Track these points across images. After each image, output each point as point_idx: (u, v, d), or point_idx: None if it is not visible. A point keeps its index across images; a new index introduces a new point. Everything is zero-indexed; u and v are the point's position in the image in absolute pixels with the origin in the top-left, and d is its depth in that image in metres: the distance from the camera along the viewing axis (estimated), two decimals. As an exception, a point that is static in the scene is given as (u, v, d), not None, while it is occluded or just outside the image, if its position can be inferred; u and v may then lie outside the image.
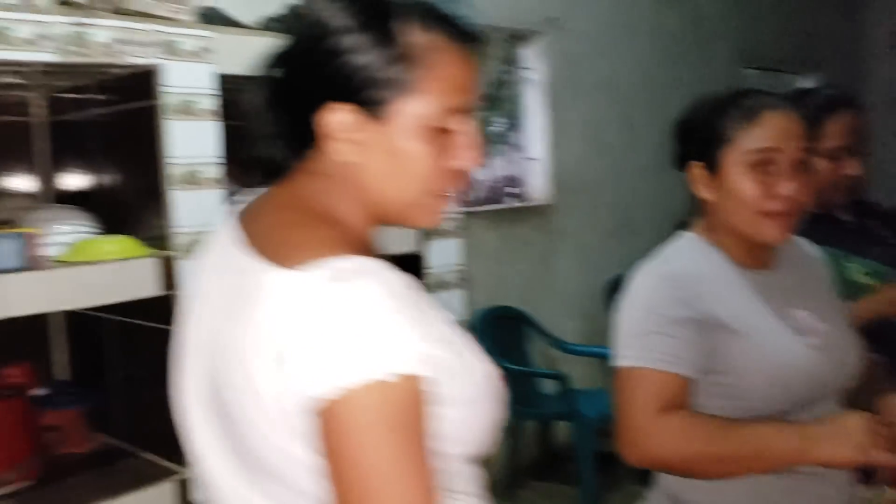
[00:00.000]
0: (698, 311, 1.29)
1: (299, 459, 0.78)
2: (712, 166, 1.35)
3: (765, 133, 1.31)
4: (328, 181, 0.86)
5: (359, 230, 0.88)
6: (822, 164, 1.77)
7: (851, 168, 1.79)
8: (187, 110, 1.61)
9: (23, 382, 1.74)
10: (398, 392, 0.73)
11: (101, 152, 1.82)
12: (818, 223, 1.81)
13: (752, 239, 1.36)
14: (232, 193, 1.00)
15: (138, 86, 1.63)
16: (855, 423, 1.18)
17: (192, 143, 1.62)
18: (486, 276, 3.68)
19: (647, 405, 1.26)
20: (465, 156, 0.86)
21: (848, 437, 1.17)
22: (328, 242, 0.80)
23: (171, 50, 1.61)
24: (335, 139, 0.83)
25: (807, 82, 6.18)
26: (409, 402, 0.74)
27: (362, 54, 0.80)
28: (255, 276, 0.80)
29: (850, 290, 1.73)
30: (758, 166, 1.31)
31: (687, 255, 1.37)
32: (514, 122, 4.21)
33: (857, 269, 1.78)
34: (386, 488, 0.72)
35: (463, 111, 0.85)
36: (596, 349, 3.74)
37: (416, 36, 0.81)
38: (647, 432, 1.26)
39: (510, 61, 4.12)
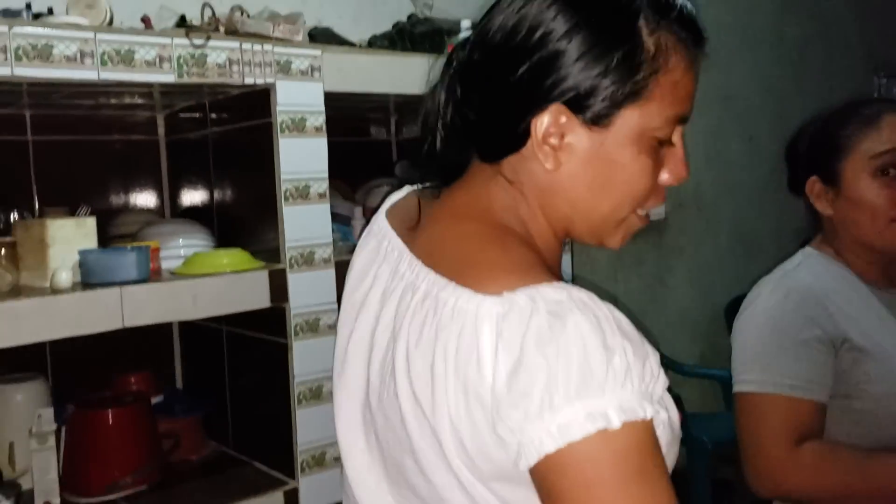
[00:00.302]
0: (828, 331, 1.20)
1: (482, 497, 0.71)
2: (832, 179, 1.28)
3: (887, 135, 1.24)
4: (520, 192, 0.78)
5: (548, 250, 0.80)
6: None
7: None
8: (299, 127, 1.65)
9: (144, 390, 1.82)
10: (627, 440, 0.65)
11: (217, 169, 1.88)
12: None
13: (882, 250, 1.26)
14: (397, 186, 0.94)
15: (253, 104, 1.68)
16: None
17: (302, 159, 1.65)
18: (599, 293, 3.57)
19: (779, 436, 1.19)
20: (677, 170, 0.79)
21: None
22: (527, 265, 0.72)
23: (284, 69, 1.65)
24: (547, 144, 0.75)
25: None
26: (641, 449, 0.66)
27: (592, 57, 0.72)
28: (440, 295, 0.72)
29: None
30: (882, 171, 1.22)
31: (812, 271, 1.29)
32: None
33: None
34: None
35: (682, 122, 0.78)
36: (713, 371, 3.58)
37: (650, 37, 0.74)
38: (782, 465, 1.18)
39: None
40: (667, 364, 3.16)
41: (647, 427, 0.66)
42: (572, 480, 0.64)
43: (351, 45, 2.01)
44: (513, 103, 0.75)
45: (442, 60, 0.84)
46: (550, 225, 0.80)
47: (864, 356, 1.21)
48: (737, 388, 1.26)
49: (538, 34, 0.73)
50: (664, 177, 0.78)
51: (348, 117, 2.17)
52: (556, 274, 0.80)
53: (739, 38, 4.23)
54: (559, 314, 0.66)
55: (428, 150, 0.83)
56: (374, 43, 2.06)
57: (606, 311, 0.69)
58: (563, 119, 0.74)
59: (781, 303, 1.25)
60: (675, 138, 0.78)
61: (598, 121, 0.74)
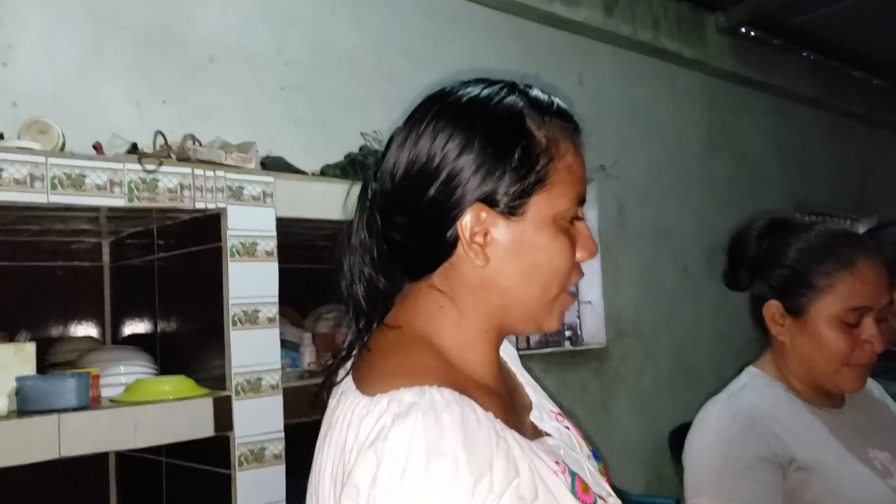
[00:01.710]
0: (776, 452, 1.21)
1: None
2: (795, 310, 1.29)
3: (861, 288, 1.25)
4: (445, 298, 0.83)
5: (470, 353, 0.83)
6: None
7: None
8: (249, 251, 1.66)
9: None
10: None
11: (162, 294, 1.86)
12: (887, 363, 1.74)
13: (828, 389, 1.29)
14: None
15: (203, 229, 1.68)
16: None
17: (252, 283, 1.65)
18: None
19: None
20: (587, 245, 0.85)
21: None
22: (414, 370, 0.76)
23: (236, 195, 1.67)
24: (475, 242, 0.80)
25: (863, 226, 6.12)
26: None
27: (491, 163, 0.80)
28: (342, 399, 0.80)
29: None
30: (850, 321, 1.25)
31: (757, 392, 1.31)
32: (567, 267, 4.22)
33: None
34: None
35: (581, 202, 0.85)
36: (658, 500, 3.53)
37: (539, 131, 0.82)
38: None
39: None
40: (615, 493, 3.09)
41: None
42: None
43: (303, 173, 2.06)
44: (434, 218, 0.81)
45: (357, 191, 0.89)
46: (483, 325, 0.83)
47: (811, 475, 1.22)
48: None
49: (437, 159, 0.80)
50: (579, 254, 0.84)
51: (299, 244, 2.19)
52: (485, 377, 0.83)
53: (672, 176, 4.46)
54: (402, 415, 0.71)
55: (354, 289, 0.86)
56: (327, 172, 2.11)
57: (458, 415, 0.71)
58: (484, 215, 0.80)
59: (730, 425, 1.25)
60: (580, 217, 0.85)
61: (514, 211, 0.80)
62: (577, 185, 0.83)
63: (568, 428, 0.91)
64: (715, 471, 1.23)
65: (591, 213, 4.12)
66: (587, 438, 0.95)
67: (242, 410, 1.60)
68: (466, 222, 0.80)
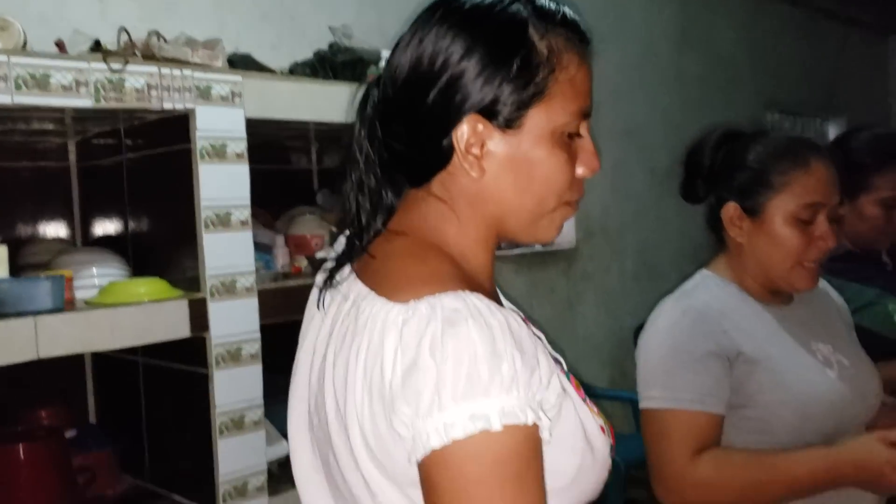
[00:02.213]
0: (723, 346, 1.28)
1: (387, 497, 0.76)
2: (753, 211, 1.33)
3: (815, 186, 1.30)
4: (445, 206, 0.84)
5: (473, 260, 0.85)
6: (874, 211, 1.79)
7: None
8: (219, 153, 1.64)
9: (57, 424, 1.75)
10: (507, 442, 0.69)
11: (132, 196, 1.85)
12: (864, 263, 1.83)
13: (781, 287, 1.35)
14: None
15: (172, 130, 1.66)
16: (875, 449, 1.18)
17: (223, 185, 1.64)
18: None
19: (681, 448, 1.24)
20: (590, 161, 0.85)
21: (870, 463, 1.17)
22: (438, 276, 0.78)
23: (203, 95, 1.64)
24: (470, 154, 0.81)
25: (832, 126, 6.17)
26: (520, 452, 0.70)
27: (492, 69, 0.79)
28: (362, 304, 0.79)
29: (888, 328, 1.75)
30: (802, 219, 1.30)
31: (708, 291, 1.36)
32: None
33: (895, 310, 1.78)
34: None
35: (585, 116, 0.84)
36: (622, 394, 3.68)
37: (543, 41, 0.80)
38: (684, 476, 1.24)
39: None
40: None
41: (530, 433, 0.70)
42: (452, 476, 0.69)
43: (271, 72, 2.01)
44: (432, 125, 0.81)
45: (359, 97, 0.88)
46: (482, 234, 0.85)
47: (757, 367, 1.28)
48: (642, 405, 1.32)
49: (439, 62, 0.79)
50: (580, 170, 0.84)
51: (268, 145, 2.17)
52: (484, 283, 0.85)
53: (642, 75, 4.42)
54: (453, 321, 0.71)
55: (357, 191, 0.86)
56: (295, 70, 2.07)
57: (502, 319, 0.73)
58: (480, 127, 0.80)
59: (679, 321, 1.32)
60: (583, 132, 0.84)
61: (511, 123, 0.80)
62: (580, 98, 0.82)
63: (539, 336, 0.94)
64: (665, 364, 1.29)
65: (561, 112, 4.11)
66: (550, 342, 0.98)
67: (218, 312, 1.62)
68: (462, 133, 0.80)
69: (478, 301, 0.74)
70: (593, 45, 0.84)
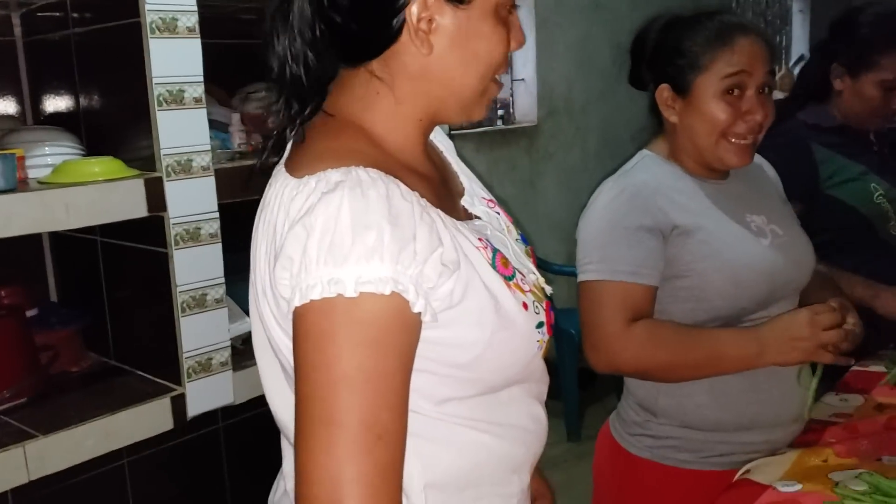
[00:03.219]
0: (658, 221, 1.34)
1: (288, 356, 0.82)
2: (682, 90, 1.38)
3: (737, 58, 1.34)
4: (383, 85, 0.84)
5: (404, 140, 0.87)
6: (873, 92, 1.82)
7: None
8: (170, 28, 1.59)
9: (17, 303, 1.76)
10: (364, 309, 0.73)
11: (82, 72, 1.79)
12: (854, 139, 1.88)
13: (709, 160, 1.39)
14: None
15: (119, 2, 1.59)
16: (802, 323, 1.26)
17: (175, 61, 1.60)
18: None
19: (613, 316, 1.32)
20: (519, 37, 0.88)
21: (796, 339, 1.26)
22: (340, 153, 0.80)
23: (150, -35, 1.57)
24: (420, 29, 0.81)
25: (797, 0, 6.09)
26: (378, 320, 0.74)
27: None
28: (274, 182, 0.84)
29: (866, 206, 1.81)
30: (729, 91, 1.33)
31: (646, 170, 1.43)
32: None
33: (876, 189, 1.83)
34: (337, 399, 0.72)
35: None
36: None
37: None
38: (615, 342, 1.32)
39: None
40: (539, 263, 3.34)
41: (392, 304, 0.74)
42: (308, 332, 0.74)
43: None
44: (381, 1, 0.80)
45: None
46: (419, 113, 0.86)
47: (692, 239, 1.35)
48: (580, 277, 1.38)
49: None
50: (513, 44, 0.87)
51: (224, 18, 2.09)
52: (414, 162, 0.87)
53: (609, -55, 4.30)
54: (329, 192, 0.75)
55: (292, 72, 0.85)
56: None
57: (383, 191, 0.76)
58: (431, 2, 0.81)
59: (617, 198, 1.38)
60: (514, 10, 0.88)
61: (460, 0, 0.81)
62: None
63: (498, 214, 0.98)
64: (601, 238, 1.36)
65: (526, -14, 4.00)
66: (516, 223, 1.02)
67: (175, 191, 1.61)
68: (414, 8, 0.80)
69: (363, 174, 0.77)
70: None
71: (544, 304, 0.90)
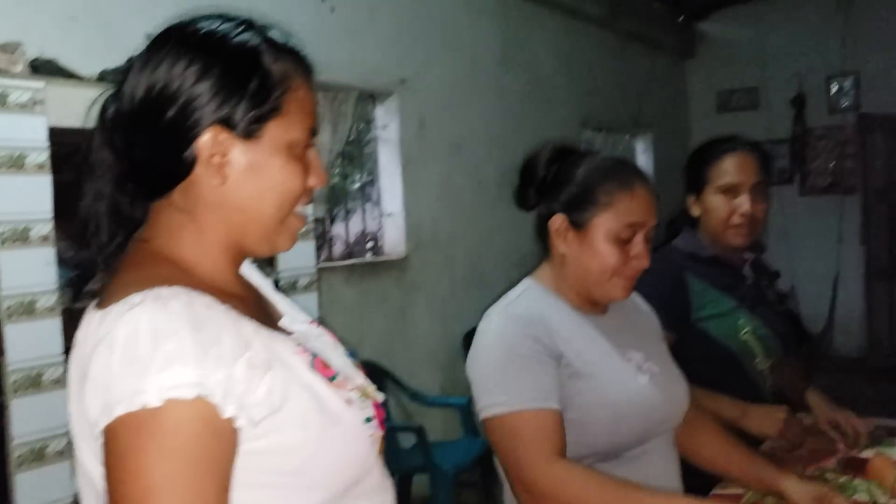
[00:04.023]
0: (549, 348, 1.34)
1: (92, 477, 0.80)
2: (578, 224, 1.40)
3: (635, 205, 1.39)
4: (185, 215, 0.88)
5: (212, 266, 0.89)
6: (716, 201, 1.89)
7: (747, 206, 1.87)
8: (17, 164, 1.53)
9: None
10: (170, 416, 0.72)
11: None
12: (727, 271, 1.94)
13: (596, 297, 1.43)
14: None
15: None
16: None
17: (20, 198, 1.53)
18: (345, 331, 3.62)
19: (535, 448, 1.28)
20: (318, 174, 0.92)
21: None
22: (146, 280, 0.80)
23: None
24: (213, 163, 0.85)
25: (640, 142, 6.63)
26: (184, 426, 0.73)
27: (227, 91, 0.85)
28: (83, 321, 0.83)
29: (733, 342, 1.86)
30: (620, 237, 1.38)
31: (532, 299, 1.42)
32: (370, 179, 4.26)
33: (744, 325, 1.87)
34: None
35: (314, 133, 0.92)
36: (454, 400, 3.76)
37: (275, 65, 0.88)
38: (542, 476, 1.27)
39: (365, 120, 4.18)
40: (412, 395, 3.29)
41: (199, 409, 0.74)
42: (116, 448, 0.73)
43: (79, 78, 1.90)
44: (173, 138, 0.85)
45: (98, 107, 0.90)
46: (223, 240, 0.89)
47: (576, 372, 1.35)
48: (486, 414, 1.33)
49: (175, 86, 0.84)
50: (311, 180, 0.92)
51: (77, 154, 2.04)
52: (227, 286, 0.89)
53: (469, 91, 4.56)
54: (123, 313, 0.76)
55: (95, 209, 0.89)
56: (107, 77, 1.97)
57: (185, 302, 0.78)
58: (222, 136, 0.85)
59: (510, 328, 1.37)
60: (311, 147, 0.93)
61: (252, 134, 0.87)
62: (309, 118, 0.91)
63: (321, 332, 1.00)
64: (499, 367, 1.34)
65: (392, 126, 4.16)
66: (344, 342, 1.04)
67: (16, 334, 1.51)
68: (205, 142, 0.85)
69: (164, 290, 0.78)
70: (313, 74, 0.94)
71: (371, 402, 0.91)
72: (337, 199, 4.22)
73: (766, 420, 1.73)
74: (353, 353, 1.02)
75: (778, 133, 6.62)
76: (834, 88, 6.76)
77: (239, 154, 0.86)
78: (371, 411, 0.89)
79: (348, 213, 4.26)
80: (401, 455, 3.59)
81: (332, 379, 0.87)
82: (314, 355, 0.88)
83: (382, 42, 3.95)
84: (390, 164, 4.18)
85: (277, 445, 0.80)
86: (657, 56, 6.80)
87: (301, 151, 0.90)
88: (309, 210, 3.29)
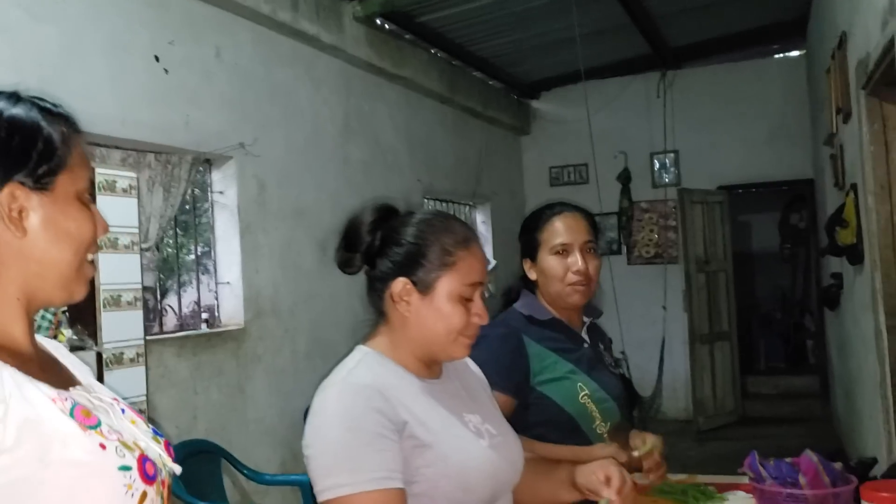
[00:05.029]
0: (393, 420, 1.29)
1: None
2: (424, 287, 1.37)
3: (477, 265, 1.39)
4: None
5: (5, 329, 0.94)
6: (549, 262, 1.94)
7: (580, 263, 1.92)
8: None
9: None
10: None
11: None
12: (567, 334, 1.97)
13: (441, 357, 1.41)
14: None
15: None
16: None
17: None
18: (176, 407, 3.43)
19: None
20: (102, 223, 1.01)
21: None
22: None
23: None
24: (11, 217, 0.92)
25: (479, 212, 6.83)
26: None
27: (19, 152, 0.94)
28: None
29: (572, 405, 1.88)
30: (466, 296, 1.37)
31: (370, 368, 1.36)
32: (206, 247, 4.09)
33: (582, 389, 1.90)
34: None
35: (90, 185, 1.02)
36: (294, 477, 3.61)
37: (54, 128, 0.98)
38: None
39: (201, 185, 4.04)
40: (250, 474, 3.11)
41: None
42: None
43: None
44: None
45: None
46: (15, 293, 0.95)
47: (420, 442, 1.31)
48: (328, 496, 1.26)
49: None
50: (98, 230, 1.00)
51: None
52: (15, 341, 0.95)
53: (310, 158, 4.54)
54: None
55: None
56: None
57: None
58: (18, 193, 0.93)
59: (350, 401, 1.30)
60: (91, 199, 1.02)
61: (45, 187, 0.95)
62: (87, 168, 1.01)
63: (123, 410, 1.03)
64: (341, 444, 1.26)
65: (230, 191, 4.04)
66: (151, 420, 1.10)
67: None
68: (3, 198, 0.92)
69: None
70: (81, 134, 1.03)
71: (137, 455, 0.95)
72: (171, 270, 4.02)
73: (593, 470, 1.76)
74: (160, 433, 1.07)
75: (607, 207, 7.04)
76: (657, 165, 7.31)
77: (36, 205, 0.94)
78: (131, 462, 0.93)
79: (182, 284, 4.06)
80: (237, 539, 3.39)
81: (93, 427, 0.91)
82: (75, 403, 0.92)
83: (220, 105, 3.86)
84: (228, 230, 4.04)
85: (7, 483, 0.84)
86: (494, 131, 7.10)
87: (87, 200, 0.99)
88: (137, 277, 3.11)
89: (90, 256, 1.00)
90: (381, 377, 1.35)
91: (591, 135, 5.63)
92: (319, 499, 1.27)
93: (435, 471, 1.30)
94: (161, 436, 1.06)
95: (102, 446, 0.90)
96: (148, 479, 0.95)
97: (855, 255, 3.93)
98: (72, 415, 0.90)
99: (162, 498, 0.98)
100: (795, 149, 6.82)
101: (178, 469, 1.02)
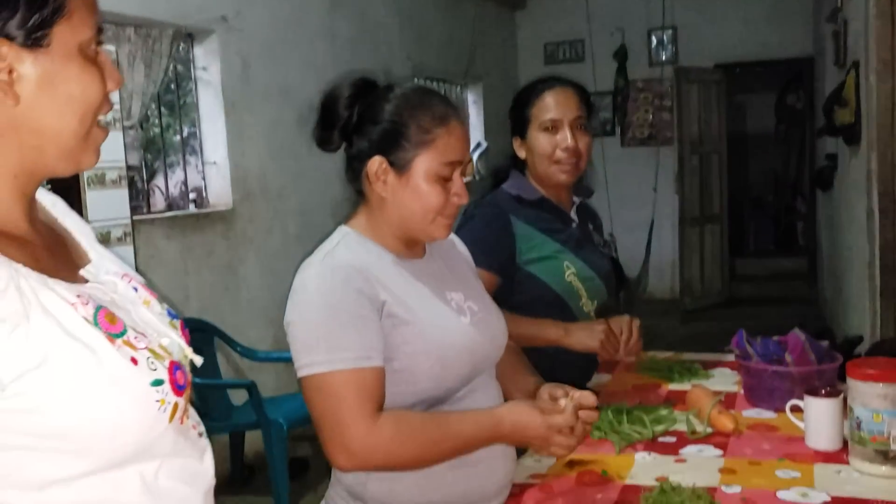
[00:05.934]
0: (372, 299, 1.29)
1: None
2: (400, 166, 1.33)
3: (455, 144, 1.34)
4: None
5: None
6: (539, 139, 1.89)
7: (570, 140, 1.88)
8: None
9: None
10: None
11: None
12: (555, 214, 1.95)
13: (419, 238, 1.39)
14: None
15: None
16: (538, 428, 1.32)
17: None
18: (167, 287, 3.44)
19: (358, 411, 1.23)
20: (114, 76, 0.86)
21: (532, 437, 1.33)
22: None
23: None
24: None
25: (471, 92, 6.69)
26: None
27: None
28: None
29: (558, 284, 1.88)
30: (444, 175, 1.33)
31: (350, 248, 1.35)
32: (193, 127, 4.00)
33: (568, 267, 1.90)
34: None
35: (100, 30, 0.85)
36: (286, 354, 3.65)
37: None
38: (365, 441, 1.23)
39: (183, 61, 3.90)
40: (242, 351, 3.14)
41: None
42: None
43: None
44: None
45: None
46: (12, 170, 0.81)
47: (399, 320, 1.31)
48: (304, 372, 1.26)
49: None
50: (109, 84, 0.85)
51: None
52: (12, 218, 0.82)
53: (296, 34, 4.38)
54: None
55: None
56: None
57: None
58: (5, 50, 0.77)
59: (330, 280, 1.29)
60: (101, 52, 0.86)
61: (38, 42, 0.78)
62: (93, 11, 0.84)
63: (136, 288, 0.92)
64: (320, 323, 1.26)
65: (213, 67, 3.91)
66: (164, 299, 0.98)
67: None
68: None
69: None
70: None
71: (166, 364, 0.83)
72: (158, 151, 3.94)
73: (587, 335, 1.79)
74: (174, 314, 0.97)
75: (602, 85, 6.89)
76: (654, 42, 7.11)
77: (29, 66, 0.78)
78: (163, 374, 0.82)
79: (169, 165, 4.00)
80: (233, 413, 3.48)
81: (119, 335, 0.80)
82: (99, 307, 0.80)
83: (200, -24, 3.68)
84: (213, 109, 3.94)
85: (35, 405, 0.73)
86: (488, 6, 6.85)
87: (93, 53, 0.83)
88: (120, 155, 3.05)
89: (101, 118, 0.85)
90: (360, 257, 1.33)
91: (587, 9, 5.44)
92: (298, 375, 1.28)
93: (413, 348, 1.31)
94: (175, 317, 0.97)
95: (134, 360, 0.80)
96: (179, 389, 0.85)
97: (852, 134, 3.88)
98: (96, 322, 0.79)
99: (190, 402, 0.89)
100: (796, 26, 6.64)
101: (198, 360, 0.93)
